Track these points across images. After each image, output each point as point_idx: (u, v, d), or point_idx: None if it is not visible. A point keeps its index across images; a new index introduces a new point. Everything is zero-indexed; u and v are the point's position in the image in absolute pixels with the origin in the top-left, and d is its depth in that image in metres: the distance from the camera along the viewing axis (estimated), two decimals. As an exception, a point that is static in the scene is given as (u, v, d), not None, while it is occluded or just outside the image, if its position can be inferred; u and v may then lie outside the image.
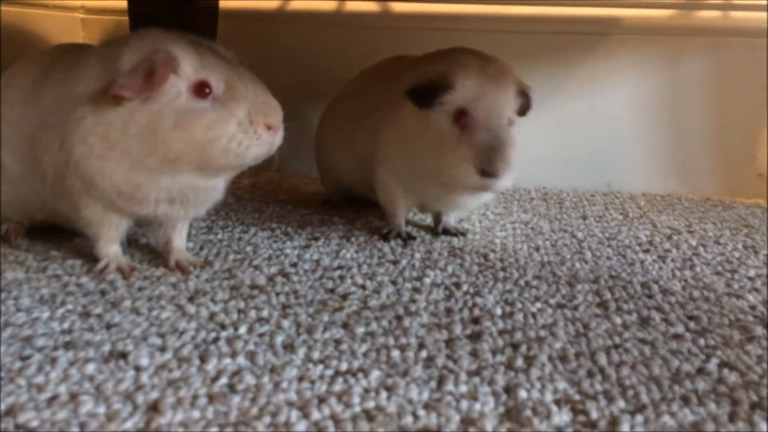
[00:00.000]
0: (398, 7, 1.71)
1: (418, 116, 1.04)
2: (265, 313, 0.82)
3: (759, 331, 0.81)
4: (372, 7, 1.72)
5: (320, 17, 1.73)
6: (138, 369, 0.67)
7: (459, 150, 0.99)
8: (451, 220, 1.23)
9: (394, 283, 0.95)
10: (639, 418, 0.61)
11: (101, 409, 0.60)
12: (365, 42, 1.66)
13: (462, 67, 1.04)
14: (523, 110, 1.07)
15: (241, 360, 0.70)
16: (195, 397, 0.62)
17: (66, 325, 0.76)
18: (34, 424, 0.57)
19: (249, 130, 0.86)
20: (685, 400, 0.65)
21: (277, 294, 0.89)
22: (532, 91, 1.07)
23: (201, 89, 0.85)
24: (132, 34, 0.93)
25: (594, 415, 0.62)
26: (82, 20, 1.83)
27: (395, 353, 0.73)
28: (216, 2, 1.44)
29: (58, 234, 1.08)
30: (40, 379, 0.64)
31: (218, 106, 0.85)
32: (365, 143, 1.18)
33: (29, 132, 0.94)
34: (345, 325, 0.79)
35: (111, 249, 0.96)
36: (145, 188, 0.89)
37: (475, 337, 0.78)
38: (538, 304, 0.88)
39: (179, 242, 1.00)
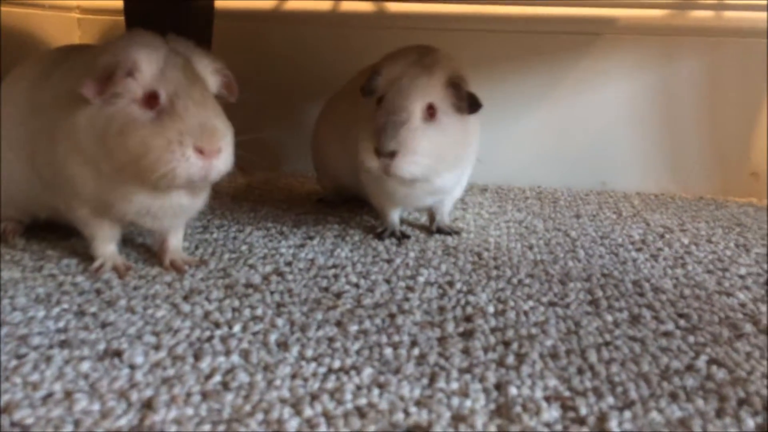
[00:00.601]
0: (394, 7, 1.72)
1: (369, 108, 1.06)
2: (259, 312, 0.83)
3: (748, 328, 0.82)
4: (368, 7, 1.72)
5: (316, 17, 1.74)
6: (132, 367, 0.68)
7: (366, 132, 1.01)
8: (445, 219, 1.23)
9: (387, 281, 0.95)
10: (627, 414, 0.62)
11: (96, 407, 0.60)
12: (361, 42, 1.67)
13: (391, 56, 1.06)
14: (458, 102, 1.03)
15: (235, 358, 0.71)
16: (189, 394, 0.63)
17: (61, 324, 0.77)
18: (29, 421, 0.58)
19: (177, 151, 0.82)
20: (673, 397, 0.66)
21: (272, 293, 0.89)
22: (465, 83, 1.05)
23: (150, 99, 0.83)
24: (123, 35, 0.93)
25: (583, 411, 0.63)
26: (78, 20, 1.83)
27: (388, 351, 0.73)
28: (211, 2, 1.44)
29: (54, 233, 1.08)
30: (35, 377, 0.65)
31: (157, 120, 0.83)
32: (356, 143, 1.18)
33: (30, 132, 0.94)
34: (338, 324, 0.80)
35: (107, 248, 0.97)
36: (110, 197, 0.88)
37: (467, 334, 0.78)
38: (531, 302, 0.89)
39: (175, 242, 1.01)
